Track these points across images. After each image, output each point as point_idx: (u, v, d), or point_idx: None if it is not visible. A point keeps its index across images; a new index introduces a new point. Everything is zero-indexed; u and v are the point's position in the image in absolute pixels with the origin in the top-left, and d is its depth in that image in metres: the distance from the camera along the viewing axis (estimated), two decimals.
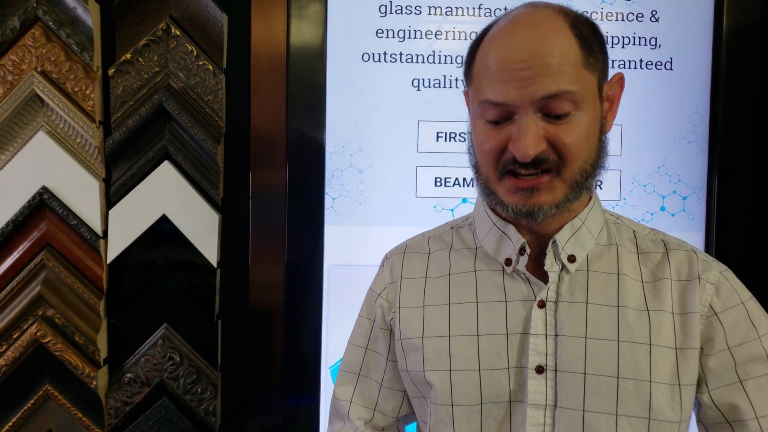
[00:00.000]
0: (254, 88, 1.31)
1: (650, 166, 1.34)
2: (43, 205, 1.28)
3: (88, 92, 1.26)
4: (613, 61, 1.34)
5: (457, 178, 1.34)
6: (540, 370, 0.73)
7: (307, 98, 1.32)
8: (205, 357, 1.32)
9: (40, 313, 1.28)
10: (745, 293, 0.76)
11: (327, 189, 1.33)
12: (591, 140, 0.71)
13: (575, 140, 0.69)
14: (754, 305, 0.76)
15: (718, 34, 1.33)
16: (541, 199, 0.70)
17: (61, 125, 1.28)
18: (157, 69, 1.28)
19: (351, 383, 0.88)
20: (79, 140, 1.28)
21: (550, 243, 0.75)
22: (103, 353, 1.30)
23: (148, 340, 1.31)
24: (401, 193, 1.34)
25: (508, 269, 0.77)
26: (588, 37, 0.70)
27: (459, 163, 1.32)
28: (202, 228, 1.30)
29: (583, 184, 0.72)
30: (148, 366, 1.31)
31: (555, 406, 0.72)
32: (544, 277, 0.75)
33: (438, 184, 1.34)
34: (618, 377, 0.71)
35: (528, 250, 0.76)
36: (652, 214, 1.35)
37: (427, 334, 0.78)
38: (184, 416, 1.31)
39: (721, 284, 0.75)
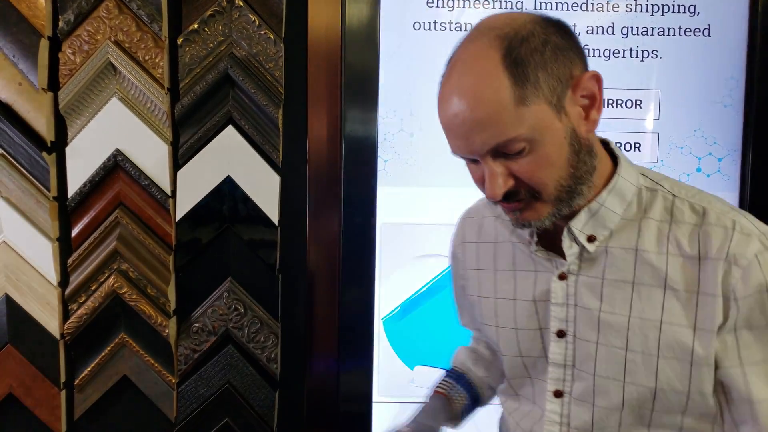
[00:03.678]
0: (311, 56, 1.39)
1: (687, 129, 1.41)
2: (117, 167, 1.38)
3: (157, 60, 1.35)
4: (652, 28, 1.40)
5: None
6: (561, 334, 0.80)
7: (361, 65, 1.39)
8: (267, 308, 1.42)
9: (115, 267, 1.38)
10: None
11: (379, 152, 1.42)
12: (558, 161, 0.70)
13: (537, 171, 0.69)
14: None
15: (755, 1, 1.38)
16: (527, 216, 0.73)
17: (133, 92, 1.37)
18: (222, 38, 1.36)
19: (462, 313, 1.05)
20: (149, 106, 1.37)
21: (565, 230, 0.77)
22: (173, 305, 1.41)
23: (214, 293, 1.41)
24: (449, 155, 1.38)
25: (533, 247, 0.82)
26: (525, 59, 0.66)
27: None
28: (263, 188, 1.39)
29: (570, 195, 0.72)
30: (215, 316, 1.41)
31: (573, 366, 0.79)
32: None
33: None
34: (627, 350, 0.75)
35: (535, 238, 0.81)
36: (688, 175, 1.41)
37: (481, 294, 0.91)
38: (248, 363, 1.42)
39: (751, 268, 0.70)
